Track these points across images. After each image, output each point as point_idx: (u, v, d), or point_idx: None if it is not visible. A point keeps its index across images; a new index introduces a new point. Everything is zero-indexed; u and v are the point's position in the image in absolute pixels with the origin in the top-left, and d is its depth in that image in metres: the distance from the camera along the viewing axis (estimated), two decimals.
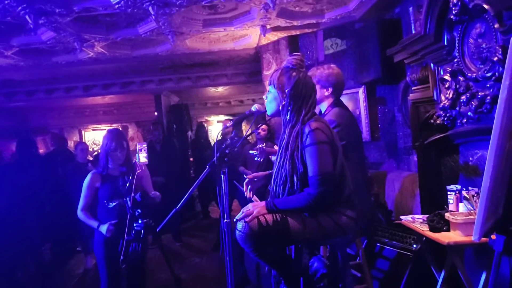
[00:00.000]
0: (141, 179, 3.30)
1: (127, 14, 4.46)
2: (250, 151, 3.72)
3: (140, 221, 3.06)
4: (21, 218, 5.03)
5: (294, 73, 2.25)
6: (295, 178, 2.17)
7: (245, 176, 4.83)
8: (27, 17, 4.03)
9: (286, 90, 2.24)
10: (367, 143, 5.02)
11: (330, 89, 3.05)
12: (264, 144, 4.75)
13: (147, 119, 9.92)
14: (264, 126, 5.09)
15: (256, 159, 3.56)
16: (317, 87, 2.93)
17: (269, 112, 2.40)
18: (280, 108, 2.30)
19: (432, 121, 3.35)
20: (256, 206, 2.18)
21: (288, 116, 2.26)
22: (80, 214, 3.29)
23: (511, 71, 1.67)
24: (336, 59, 5.32)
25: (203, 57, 6.92)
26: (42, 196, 5.54)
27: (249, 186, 2.57)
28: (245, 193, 2.56)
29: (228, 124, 2.62)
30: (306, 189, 2.12)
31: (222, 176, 2.29)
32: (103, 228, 3.15)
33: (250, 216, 2.14)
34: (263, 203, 2.20)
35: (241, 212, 2.19)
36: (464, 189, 2.81)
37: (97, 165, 3.45)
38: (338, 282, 2.41)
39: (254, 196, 2.52)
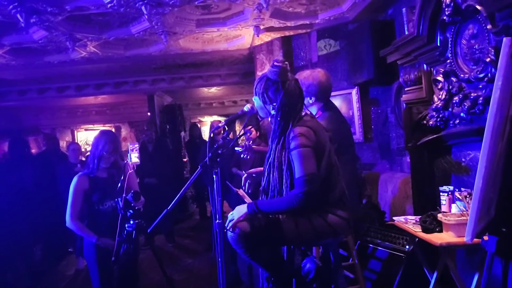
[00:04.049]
0: (130, 180, 3.26)
1: (120, 13, 4.43)
2: (236, 148, 3.71)
3: (131, 222, 3.03)
4: (11, 218, 4.99)
5: (279, 87, 2.19)
6: (284, 187, 2.16)
7: (242, 174, 4.83)
8: (18, 15, 3.99)
9: (273, 105, 2.22)
10: (360, 144, 5.02)
11: (313, 98, 3.02)
12: (251, 141, 4.73)
13: (140, 119, 9.89)
14: (252, 128, 5.06)
15: (242, 156, 3.56)
16: None
17: (262, 116, 2.38)
18: (269, 119, 2.30)
19: (425, 122, 3.35)
20: (239, 212, 2.17)
21: (276, 128, 2.23)
22: (71, 224, 3.16)
23: (504, 72, 1.67)
24: (329, 60, 5.33)
25: (196, 57, 6.90)
26: (33, 196, 5.50)
27: (248, 181, 2.57)
28: (243, 188, 2.55)
29: (220, 125, 2.61)
30: (291, 191, 2.12)
31: (214, 176, 2.28)
32: (104, 243, 3.12)
33: (231, 223, 2.14)
34: (246, 206, 2.19)
35: (228, 220, 2.19)
36: (457, 190, 2.81)
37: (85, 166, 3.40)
38: (331, 283, 2.41)
39: (243, 192, 2.52)
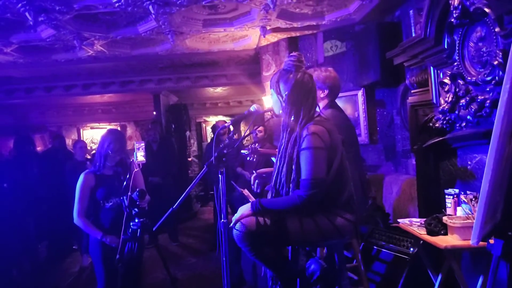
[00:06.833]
0: (136, 178, 3.28)
1: (127, 12, 4.45)
2: (242, 151, 3.72)
3: (136, 220, 3.05)
4: (17, 216, 5.01)
5: (291, 76, 2.22)
6: (290, 183, 2.17)
7: (247, 177, 4.85)
8: (27, 14, 4.02)
9: (284, 94, 2.23)
10: (365, 146, 5.02)
11: (326, 91, 3.11)
12: (257, 144, 4.75)
13: (146, 119, 9.90)
14: (260, 128, 5.07)
15: (248, 159, 3.56)
16: None
17: (277, 112, 2.39)
18: (281, 111, 2.30)
19: (431, 124, 3.34)
20: (242, 210, 2.19)
21: (287, 120, 2.24)
22: (78, 221, 3.21)
23: None
24: (335, 61, 5.32)
25: (202, 57, 6.92)
26: (39, 194, 5.52)
27: (257, 180, 2.57)
28: (252, 187, 2.56)
29: (226, 125, 2.62)
30: (296, 191, 2.12)
31: (220, 176, 2.28)
32: (109, 240, 3.14)
33: (234, 220, 2.15)
34: (249, 204, 2.20)
35: (233, 219, 2.20)
36: (462, 193, 2.81)
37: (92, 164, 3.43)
38: (335, 285, 2.40)
39: (248, 192, 2.52)
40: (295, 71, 2.24)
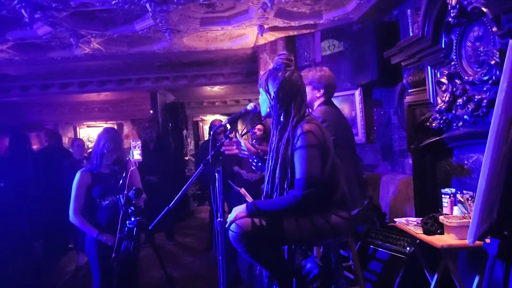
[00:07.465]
0: (132, 177, 3.27)
1: (124, 10, 4.44)
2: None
3: (133, 219, 3.04)
4: (12, 214, 4.99)
5: (280, 74, 2.23)
6: (285, 184, 2.16)
7: (244, 175, 4.84)
8: (23, 11, 4.00)
9: (273, 92, 2.23)
10: (362, 145, 5.02)
11: (322, 91, 3.10)
12: (254, 141, 4.74)
13: (143, 117, 9.87)
14: (259, 126, 5.06)
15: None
16: (309, 88, 2.99)
17: (263, 113, 2.39)
18: (268, 110, 2.30)
19: (428, 124, 3.35)
20: (237, 210, 2.17)
21: (276, 118, 2.24)
22: (74, 219, 3.20)
23: (509, 74, 1.66)
24: (333, 60, 5.31)
25: (200, 55, 6.89)
26: (34, 192, 5.50)
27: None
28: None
29: (222, 123, 2.61)
30: (291, 191, 2.11)
31: (216, 174, 2.28)
32: (105, 238, 3.13)
33: (229, 221, 2.14)
34: (244, 206, 2.18)
35: (228, 219, 2.19)
36: (459, 192, 2.81)
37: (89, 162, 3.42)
38: (331, 284, 2.41)
39: (245, 191, 2.52)
40: (284, 69, 2.24)
